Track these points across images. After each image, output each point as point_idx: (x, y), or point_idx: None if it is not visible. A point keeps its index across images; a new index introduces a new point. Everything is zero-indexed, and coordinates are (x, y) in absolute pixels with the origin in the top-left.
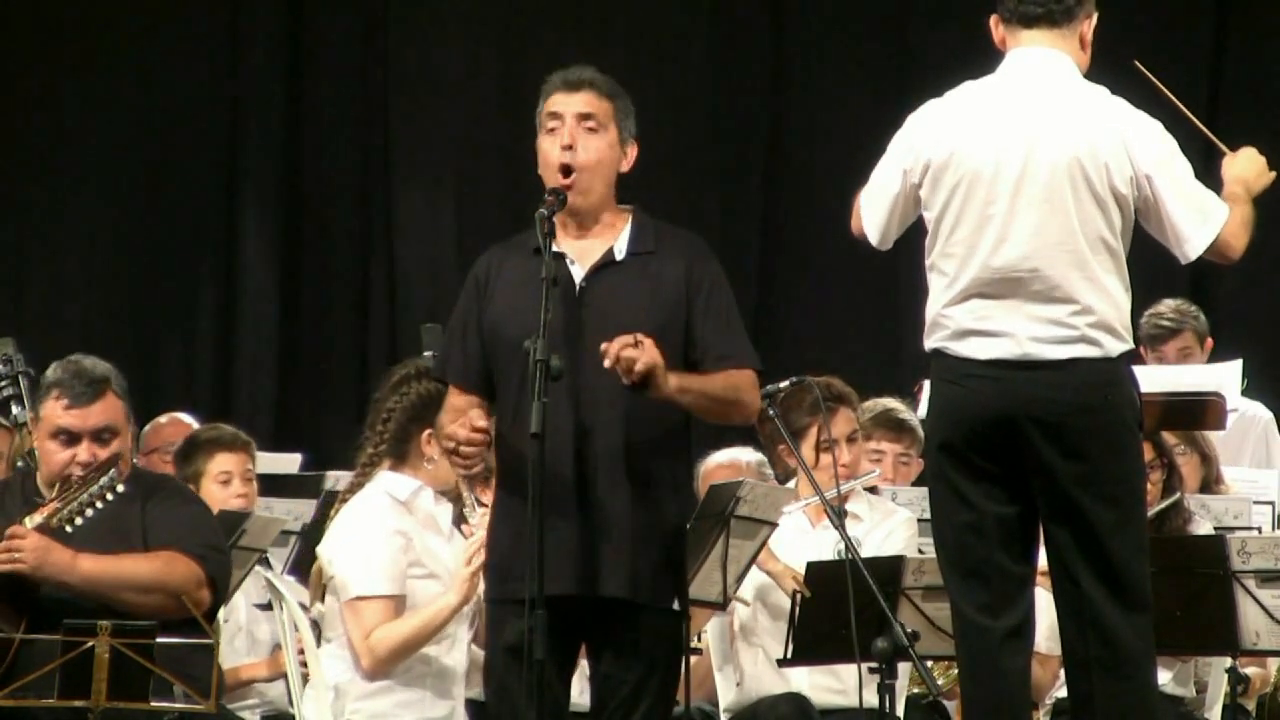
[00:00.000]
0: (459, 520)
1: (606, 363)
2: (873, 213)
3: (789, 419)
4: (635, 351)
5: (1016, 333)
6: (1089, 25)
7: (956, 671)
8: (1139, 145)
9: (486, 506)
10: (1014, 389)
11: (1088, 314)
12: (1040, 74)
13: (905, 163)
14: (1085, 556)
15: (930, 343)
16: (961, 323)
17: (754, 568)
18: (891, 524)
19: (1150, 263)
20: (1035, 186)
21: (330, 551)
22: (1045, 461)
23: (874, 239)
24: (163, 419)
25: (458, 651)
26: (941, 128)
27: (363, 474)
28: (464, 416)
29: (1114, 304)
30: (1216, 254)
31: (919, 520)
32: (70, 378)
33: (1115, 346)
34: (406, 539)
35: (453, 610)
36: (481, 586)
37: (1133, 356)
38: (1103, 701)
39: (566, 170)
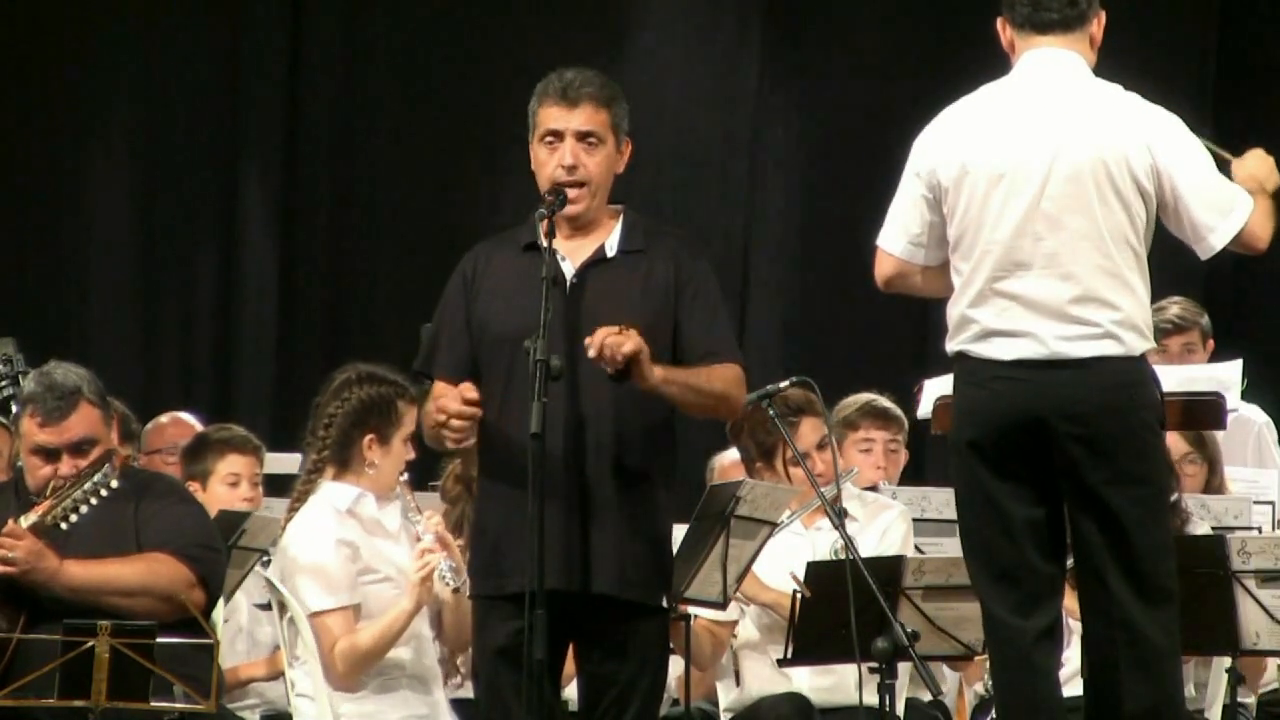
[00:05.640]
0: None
1: (591, 352)
2: (890, 233)
3: (755, 438)
4: (619, 337)
5: (1041, 332)
6: (1098, 25)
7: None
8: (1159, 140)
9: (428, 511)
10: (1041, 389)
11: (1113, 311)
12: (1055, 75)
13: (920, 184)
14: (1112, 555)
15: (953, 345)
16: (985, 324)
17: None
18: (885, 520)
19: (1160, 263)
20: (1058, 186)
21: (280, 572)
22: (1073, 461)
23: (894, 251)
24: (164, 418)
25: (429, 651)
26: (955, 138)
27: (308, 482)
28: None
29: (1138, 302)
30: (1242, 245)
31: (922, 520)
32: (43, 392)
33: (1139, 345)
34: (353, 548)
35: (409, 615)
36: (438, 589)
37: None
38: (1130, 700)
39: (571, 186)
